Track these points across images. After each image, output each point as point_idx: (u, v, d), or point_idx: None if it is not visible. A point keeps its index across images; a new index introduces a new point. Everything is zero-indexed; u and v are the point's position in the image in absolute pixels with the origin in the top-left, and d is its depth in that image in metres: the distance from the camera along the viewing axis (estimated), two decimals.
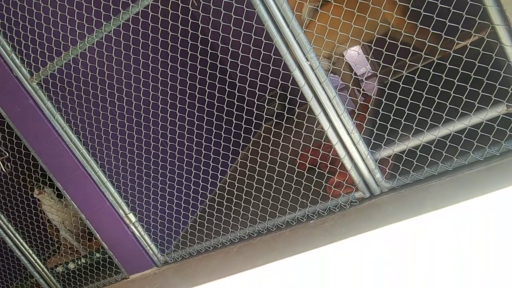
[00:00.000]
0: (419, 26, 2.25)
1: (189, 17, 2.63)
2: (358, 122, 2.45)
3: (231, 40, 2.48)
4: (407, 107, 2.15)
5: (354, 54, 4.25)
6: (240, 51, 2.93)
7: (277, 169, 2.73)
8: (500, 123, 1.98)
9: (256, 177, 2.89)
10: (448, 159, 2.11)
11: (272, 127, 2.95)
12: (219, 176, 3.12)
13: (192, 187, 3.26)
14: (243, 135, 2.76)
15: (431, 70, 2.12)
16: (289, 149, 2.63)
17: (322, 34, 2.43)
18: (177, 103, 3.69)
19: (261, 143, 2.85)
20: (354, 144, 2.22)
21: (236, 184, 2.98)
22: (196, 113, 3.14)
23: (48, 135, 2.94)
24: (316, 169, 2.75)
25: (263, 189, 2.75)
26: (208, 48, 2.82)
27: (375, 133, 2.24)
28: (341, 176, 2.53)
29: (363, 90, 3.58)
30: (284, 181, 2.67)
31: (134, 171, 3.33)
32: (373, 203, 2.30)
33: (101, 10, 2.72)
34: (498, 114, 1.98)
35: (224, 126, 2.97)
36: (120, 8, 2.45)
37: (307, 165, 2.96)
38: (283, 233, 2.56)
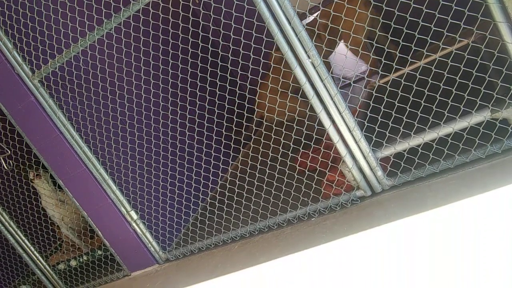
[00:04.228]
0: None
1: (190, 15, 2.63)
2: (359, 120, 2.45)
3: (232, 38, 2.47)
4: (409, 105, 2.15)
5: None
6: (241, 49, 2.92)
7: (278, 167, 2.73)
8: (502, 120, 1.98)
9: (258, 174, 2.89)
10: (449, 157, 2.11)
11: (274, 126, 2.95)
12: (220, 174, 3.11)
13: (194, 184, 3.27)
14: (244, 132, 2.76)
15: (432, 68, 2.12)
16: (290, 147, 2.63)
17: None
18: (178, 100, 3.69)
19: (262, 141, 2.85)
20: (356, 142, 2.22)
21: (238, 182, 2.98)
22: (197, 111, 3.14)
23: (50, 132, 2.95)
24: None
25: (265, 187, 2.75)
26: (209, 46, 2.82)
27: (376, 131, 2.24)
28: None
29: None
30: (286, 179, 2.67)
31: (135, 168, 3.33)
32: (374, 200, 2.30)
33: (102, 7, 2.72)
34: (500, 111, 1.97)
35: (225, 124, 2.97)
36: (121, 5, 2.45)
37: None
38: (284, 230, 2.56)
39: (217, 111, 3.04)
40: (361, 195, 2.36)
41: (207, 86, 2.97)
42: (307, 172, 2.70)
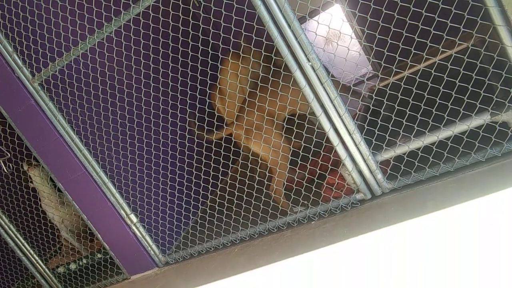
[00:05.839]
0: None
1: (190, 18, 2.64)
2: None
3: (232, 41, 2.48)
4: (409, 108, 2.15)
5: (355, 54, 4.24)
6: (241, 53, 2.93)
7: (278, 170, 2.73)
8: (501, 124, 1.98)
9: (257, 178, 2.88)
10: (449, 160, 2.11)
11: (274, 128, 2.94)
12: (220, 177, 3.11)
13: (193, 187, 3.26)
14: (244, 136, 2.76)
15: (432, 71, 2.12)
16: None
17: None
18: (178, 104, 3.69)
19: (262, 144, 2.84)
20: (356, 145, 2.22)
21: (237, 185, 2.97)
22: (197, 114, 3.13)
23: (50, 135, 2.95)
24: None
25: (264, 190, 2.75)
26: (209, 49, 2.82)
27: (376, 134, 2.24)
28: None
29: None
30: (285, 182, 2.67)
31: (135, 171, 3.33)
32: (374, 204, 2.29)
33: (102, 11, 2.72)
34: (499, 115, 1.97)
35: (225, 126, 2.97)
36: (121, 9, 2.45)
37: (304, 184, 2.93)
38: (284, 234, 2.56)
39: (217, 114, 3.04)
40: (361, 198, 2.36)
41: (207, 89, 2.97)
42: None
